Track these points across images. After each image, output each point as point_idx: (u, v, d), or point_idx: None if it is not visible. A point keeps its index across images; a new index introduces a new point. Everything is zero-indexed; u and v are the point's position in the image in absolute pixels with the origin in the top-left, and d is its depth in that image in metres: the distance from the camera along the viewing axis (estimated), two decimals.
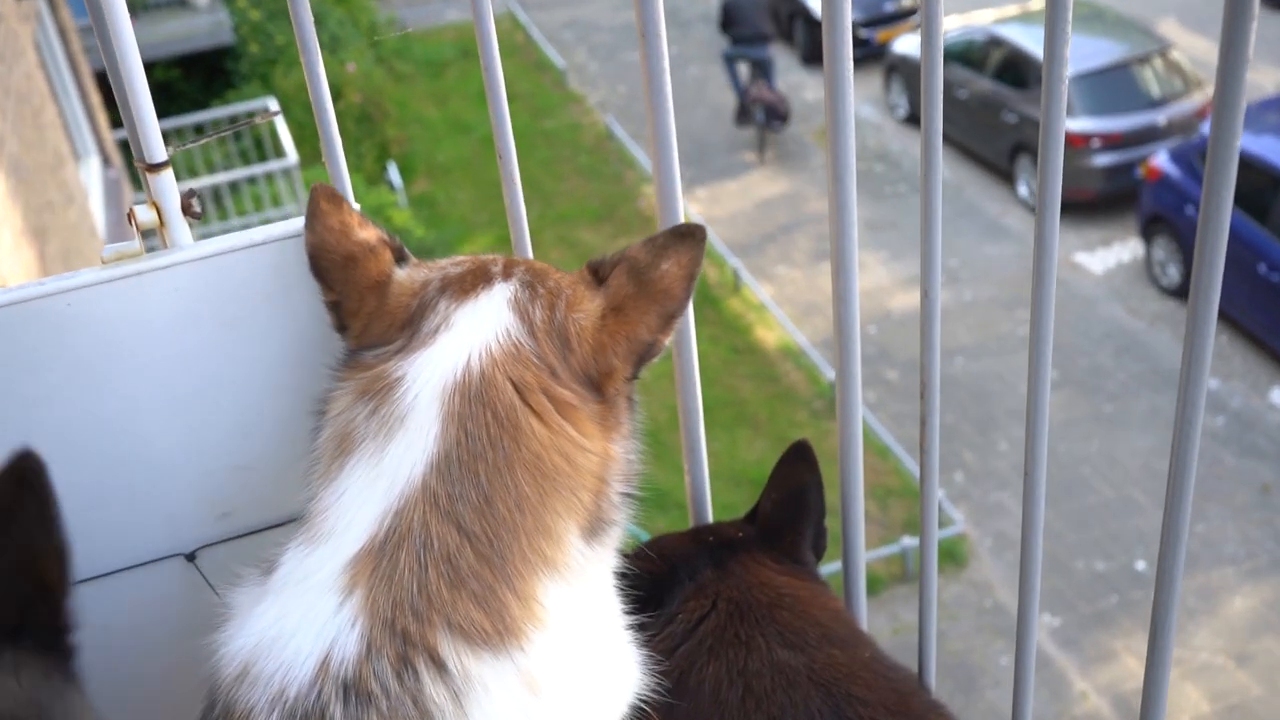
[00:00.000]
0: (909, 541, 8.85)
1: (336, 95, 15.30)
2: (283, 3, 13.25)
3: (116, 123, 12.94)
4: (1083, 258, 12.54)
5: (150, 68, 16.50)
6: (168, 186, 1.18)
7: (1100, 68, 13.08)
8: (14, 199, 5.77)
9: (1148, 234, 12.09)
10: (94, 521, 1.26)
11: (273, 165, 12.27)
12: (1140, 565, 9.00)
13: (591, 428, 1.04)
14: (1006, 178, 13.68)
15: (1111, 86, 12.98)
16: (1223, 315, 11.45)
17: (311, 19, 1.18)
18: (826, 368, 11.28)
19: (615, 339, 1.07)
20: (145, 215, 1.18)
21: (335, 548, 0.98)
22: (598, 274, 1.12)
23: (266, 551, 1.12)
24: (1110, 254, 12.59)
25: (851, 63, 1.22)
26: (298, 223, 1.21)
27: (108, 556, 1.28)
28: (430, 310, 1.07)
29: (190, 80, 16.40)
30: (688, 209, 13.82)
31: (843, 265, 1.30)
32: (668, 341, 1.11)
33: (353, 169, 13.98)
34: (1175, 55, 13.69)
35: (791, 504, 1.43)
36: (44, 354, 1.17)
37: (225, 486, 1.29)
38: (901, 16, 16.48)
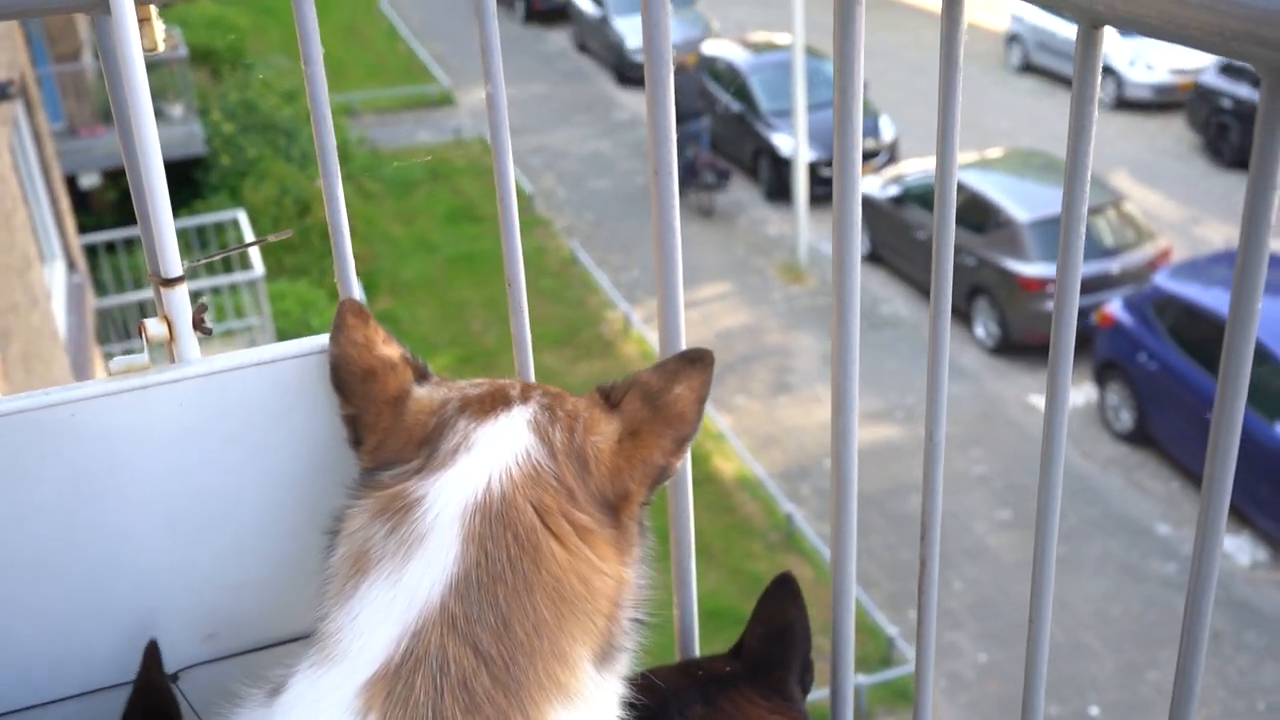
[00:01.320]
0: (862, 679, 8.76)
1: (304, 210, 15.46)
2: (255, 117, 13.38)
3: (83, 227, 12.95)
4: (1037, 400, 12.70)
5: (120, 174, 16.59)
6: (181, 301, 1.17)
7: (1056, 215, 13.40)
8: None
9: (1101, 379, 12.29)
10: (77, 638, 1.23)
11: (239, 277, 12.29)
12: (1094, 710, 8.95)
13: (608, 551, 1.04)
14: (964, 318, 13.92)
15: None
16: (1174, 462, 11.61)
17: (334, 142, 1.20)
18: (784, 499, 11.28)
19: (632, 463, 1.08)
20: (156, 329, 1.17)
21: (350, 670, 0.96)
22: (609, 398, 1.13)
23: (261, 672, 1.09)
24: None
25: (860, 212, 1.26)
26: (305, 342, 1.21)
27: (90, 674, 1.25)
28: (449, 429, 1.07)
29: None
30: (647, 336, 13.92)
31: (843, 403, 1.31)
32: (679, 464, 1.12)
33: (316, 283, 14.04)
34: (1128, 207, 14.11)
35: (778, 639, 1.42)
36: (42, 465, 1.15)
37: (214, 607, 1.27)
38: (866, 156, 16.89)
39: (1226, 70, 17.59)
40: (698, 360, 1.14)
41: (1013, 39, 21.26)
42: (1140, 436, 11.90)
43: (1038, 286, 13.04)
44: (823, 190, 16.69)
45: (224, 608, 1.27)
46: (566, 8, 25.07)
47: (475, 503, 1.01)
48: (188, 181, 16.25)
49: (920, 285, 14.36)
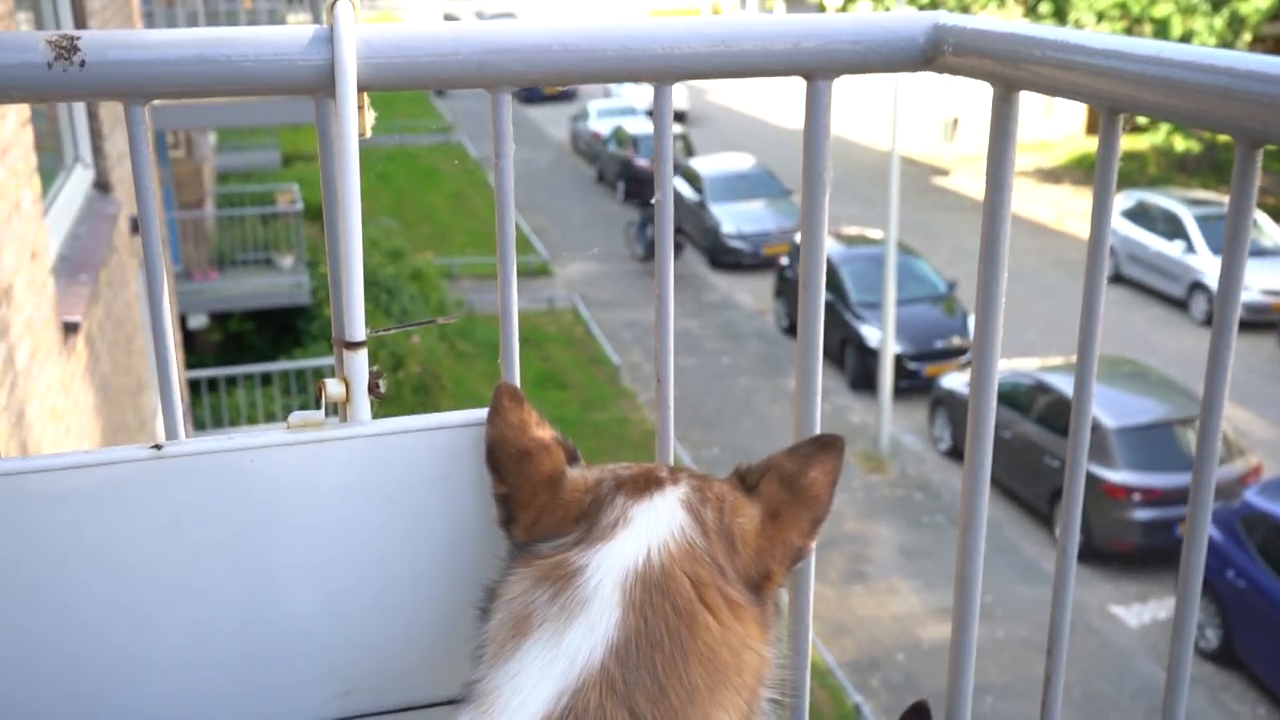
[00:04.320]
0: None
1: (399, 364, 15.82)
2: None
3: (188, 364, 13.37)
4: (1118, 610, 12.36)
5: (226, 317, 17.22)
6: (360, 365, 1.25)
7: (1143, 424, 13.29)
8: (97, 415, 5.95)
9: None
10: (218, 680, 1.28)
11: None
12: None
13: (754, 628, 1.07)
14: (1045, 520, 13.68)
15: (1154, 444, 13.14)
16: (1260, 684, 11.15)
17: (514, 234, 1.29)
18: (853, 690, 11.00)
19: (773, 543, 1.12)
20: (335, 389, 1.25)
21: None
22: (744, 481, 1.18)
23: None
24: (1146, 609, 12.39)
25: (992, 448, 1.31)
26: (466, 414, 1.28)
27: (225, 717, 1.29)
28: (607, 506, 1.12)
29: (262, 334, 17.01)
30: None
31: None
32: (813, 546, 1.16)
33: None
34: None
35: None
36: (219, 504, 1.22)
37: (352, 663, 1.31)
38: (950, 354, 16.95)
39: None
40: (830, 445, 1.19)
41: None
42: (1226, 656, 11.48)
43: (1123, 494, 12.81)
44: (907, 383, 16.71)
45: (361, 665, 1.31)
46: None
47: (636, 572, 1.05)
48: (291, 330, 16.77)
49: (1002, 485, 14.19)
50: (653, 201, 1.32)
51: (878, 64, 1.29)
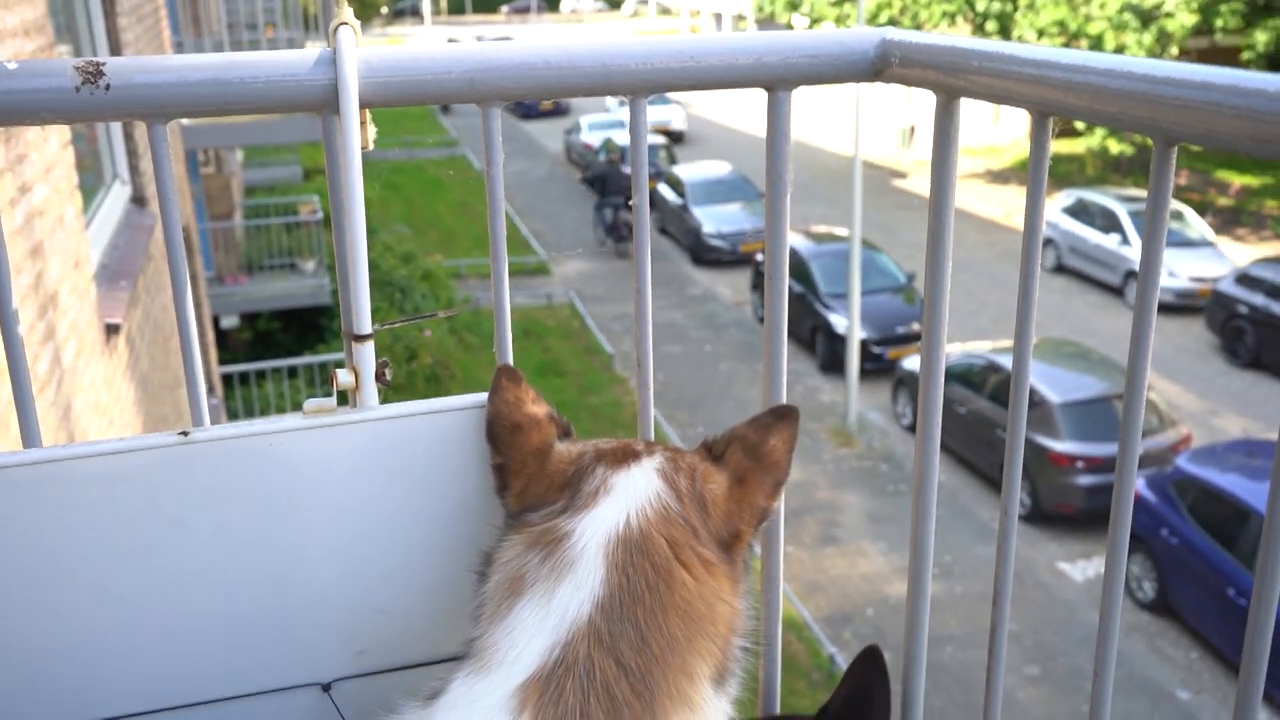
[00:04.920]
0: None
1: (411, 356, 15.79)
2: (376, 275, 13.82)
3: (221, 361, 13.34)
4: (1065, 566, 12.42)
5: (255, 317, 17.16)
6: (368, 355, 1.25)
7: (1085, 399, 13.35)
8: (138, 410, 5.94)
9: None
10: (244, 644, 1.27)
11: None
12: None
13: (725, 583, 1.08)
14: (998, 487, 13.71)
15: (1095, 417, 13.19)
16: (1195, 634, 11.21)
17: (505, 231, 1.28)
18: (828, 642, 11.03)
19: (741, 506, 1.13)
20: (345, 378, 1.25)
21: (505, 675, 0.99)
22: (711, 451, 1.18)
23: (404, 689, 1.13)
24: (1090, 565, 12.45)
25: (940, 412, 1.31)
26: (467, 398, 1.28)
27: (251, 677, 1.29)
28: (589, 475, 1.13)
29: (288, 332, 16.96)
30: None
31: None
32: (776, 506, 1.18)
33: None
34: (1153, 395, 13.94)
35: (862, 704, 1.42)
36: (241, 485, 1.21)
37: (365, 626, 1.31)
38: (911, 339, 16.99)
39: (1242, 280, 17.55)
40: (786, 414, 1.21)
41: (1048, 243, 21.43)
42: (1162, 606, 11.53)
43: (1068, 462, 12.86)
44: (872, 365, 16.75)
45: (374, 627, 1.31)
46: (652, 196, 25.79)
47: (618, 535, 1.06)
48: (314, 327, 16.72)
49: (959, 456, 14.24)
50: (630, 203, 1.32)
51: (832, 75, 1.29)
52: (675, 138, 33.52)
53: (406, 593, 1.31)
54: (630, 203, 1.37)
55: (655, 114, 33.10)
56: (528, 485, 1.16)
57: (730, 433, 1.19)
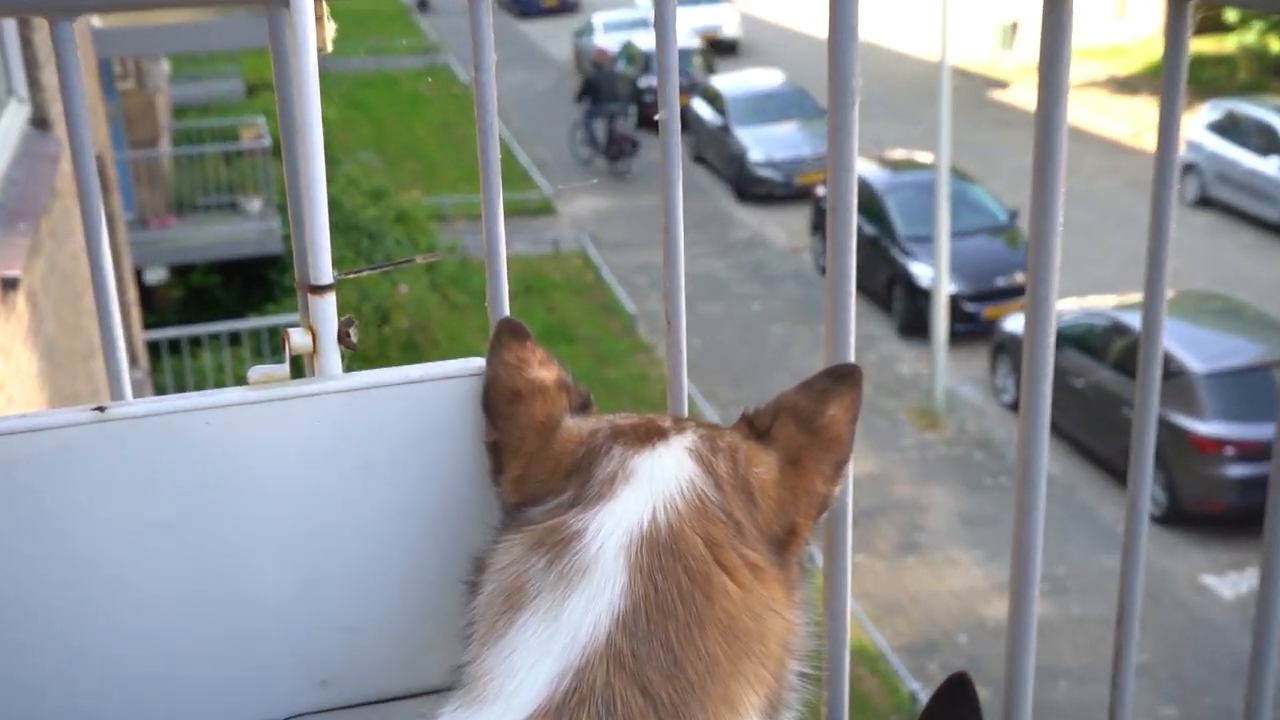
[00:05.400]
0: None
1: (384, 319, 15.87)
2: (338, 217, 13.90)
3: (146, 324, 13.45)
4: (1211, 580, 12.38)
5: (188, 270, 17.29)
6: (328, 311, 1.26)
7: (1236, 368, 13.25)
8: (43, 381, 6.00)
9: None
10: (177, 674, 1.29)
11: None
12: None
13: (778, 591, 1.07)
14: (1124, 481, 13.63)
15: (1248, 390, 13.09)
16: None
17: (498, 156, 1.29)
18: (910, 677, 11.07)
19: (795, 494, 1.12)
20: (300, 339, 1.26)
21: (503, 710, 0.99)
22: (755, 426, 1.17)
23: None
24: (1243, 578, 12.40)
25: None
26: (456, 364, 1.28)
27: (186, 716, 1.30)
28: (602, 457, 1.12)
29: (228, 288, 17.06)
30: None
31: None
32: (839, 493, 1.17)
33: None
34: None
35: None
36: (170, 473, 1.22)
37: (329, 650, 1.32)
38: (1013, 293, 16.87)
39: None
40: (846, 376, 1.20)
41: (1188, 169, 21.27)
42: None
43: (1214, 448, 12.79)
44: (965, 327, 16.68)
45: (338, 652, 1.32)
46: (684, 114, 25.73)
47: (641, 534, 1.05)
48: (261, 281, 16.81)
49: (1077, 440, 14.18)
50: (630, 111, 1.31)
51: None
52: (726, 48, 33.17)
53: (379, 609, 1.32)
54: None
55: (701, 15, 32.87)
56: (527, 468, 1.17)
57: (777, 402, 1.18)
